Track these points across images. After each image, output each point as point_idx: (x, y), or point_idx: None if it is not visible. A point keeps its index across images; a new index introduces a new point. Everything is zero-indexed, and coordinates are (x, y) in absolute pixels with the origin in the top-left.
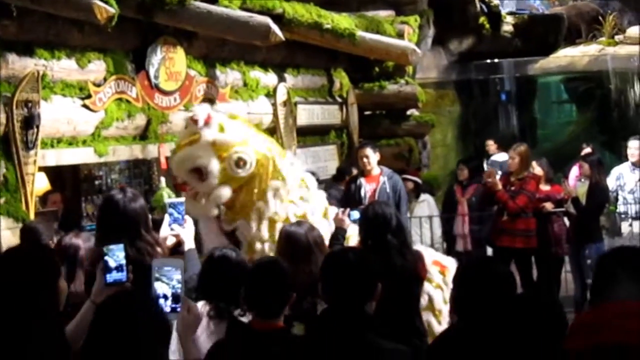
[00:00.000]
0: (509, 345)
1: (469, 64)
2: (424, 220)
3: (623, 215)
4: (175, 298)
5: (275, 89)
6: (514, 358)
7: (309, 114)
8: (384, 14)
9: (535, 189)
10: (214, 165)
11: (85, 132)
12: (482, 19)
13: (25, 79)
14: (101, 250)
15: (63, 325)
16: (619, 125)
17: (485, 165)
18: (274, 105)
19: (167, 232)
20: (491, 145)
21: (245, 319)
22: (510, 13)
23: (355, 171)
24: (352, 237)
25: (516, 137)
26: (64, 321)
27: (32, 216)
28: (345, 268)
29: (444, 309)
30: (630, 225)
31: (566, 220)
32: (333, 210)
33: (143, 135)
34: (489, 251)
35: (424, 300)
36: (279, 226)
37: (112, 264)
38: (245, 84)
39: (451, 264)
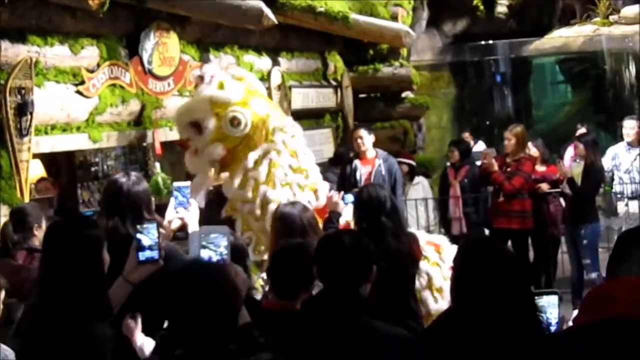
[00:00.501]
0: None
1: (463, 45)
2: (419, 203)
3: (619, 195)
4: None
5: (269, 73)
6: (509, 344)
7: (303, 98)
8: None
9: (531, 170)
10: (210, 122)
11: (79, 118)
12: (476, 1)
13: (18, 66)
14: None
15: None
16: (614, 105)
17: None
18: (268, 89)
19: (172, 215)
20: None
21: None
22: None
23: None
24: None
25: (511, 119)
26: None
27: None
28: (340, 251)
29: (445, 285)
30: (627, 205)
31: (562, 201)
32: (325, 189)
33: (137, 121)
34: (486, 233)
35: (423, 280)
36: (262, 189)
37: (145, 242)
38: None
39: (444, 242)
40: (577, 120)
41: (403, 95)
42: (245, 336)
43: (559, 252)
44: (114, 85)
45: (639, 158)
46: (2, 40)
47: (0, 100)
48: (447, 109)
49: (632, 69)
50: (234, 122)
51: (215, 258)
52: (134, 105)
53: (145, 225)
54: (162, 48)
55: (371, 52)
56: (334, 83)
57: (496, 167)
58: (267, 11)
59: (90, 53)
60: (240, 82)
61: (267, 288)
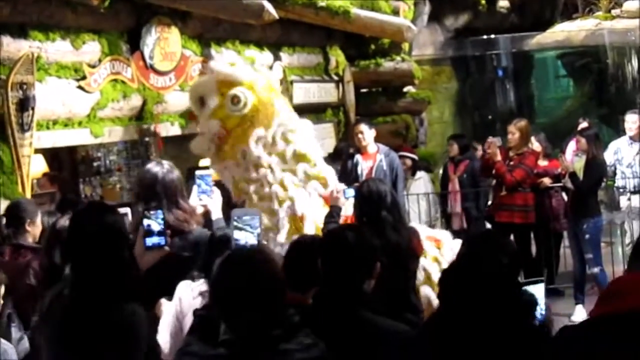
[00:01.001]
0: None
1: (465, 40)
2: (420, 198)
3: (621, 190)
4: (257, 245)
5: (270, 68)
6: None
7: (305, 93)
8: None
9: (533, 164)
10: (213, 98)
11: (81, 113)
12: None
13: (20, 61)
14: (142, 214)
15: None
16: (616, 99)
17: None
18: None
19: (195, 202)
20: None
21: None
22: None
23: (352, 150)
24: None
25: (513, 113)
26: None
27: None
28: (344, 247)
29: None
30: (629, 199)
31: (564, 195)
32: (334, 180)
33: (139, 116)
34: (488, 227)
35: (421, 276)
36: (262, 171)
37: (153, 228)
38: None
39: (445, 237)
40: (579, 114)
41: (405, 89)
42: (289, 322)
43: (561, 246)
44: (115, 80)
45: None
46: (4, 36)
47: (1, 96)
48: (448, 103)
49: (635, 63)
50: (234, 100)
51: (253, 238)
52: (136, 100)
53: (152, 212)
54: (164, 43)
55: (373, 46)
56: (335, 78)
57: (499, 157)
58: (268, 6)
59: (91, 48)
60: (252, 69)
61: None
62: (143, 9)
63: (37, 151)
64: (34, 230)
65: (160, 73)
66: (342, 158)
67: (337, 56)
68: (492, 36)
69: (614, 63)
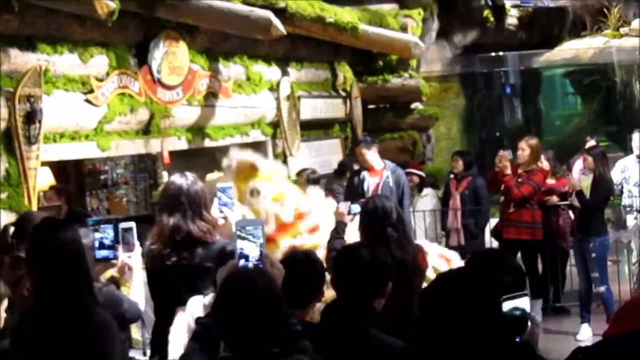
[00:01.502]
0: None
1: (473, 56)
2: (426, 214)
3: (628, 208)
4: (260, 255)
5: (278, 83)
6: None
7: (312, 108)
8: (387, 7)
9: (541, 181)
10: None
11: (88, 126)
12: (486, 12)
13: (28, 74)
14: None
15: None
16: (623, 117)
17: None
18: (278, 99)
19: (216, 215)
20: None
21: None
22: (515, 6)
23: (356, 166)
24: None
25: (521, 130)
26: None
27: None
28: (358, 264)
29: None
30: (636, 218)
31: (571, 214)
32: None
33: (146, 130)
34: (492, 244)
35: None
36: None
37: (103, 241)
38: (248, 78)
39: (454, 257)
40: (586, 132)
41: (412, 106)
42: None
43: (568, 264)
44: (122, 94)
45: None
46: (12, 48)
47: (9, 108)
48: (456, 119)
49: None
50: (253, 192)
51: (256, 248)
52: (143, 114)
53: (102, 226)
54: (171, 57)
55: (380, 62)
56: (343, 93)
57: (509, 170)
58: (276, 21)
59: (99, 62)
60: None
61: None
62: (151, 22)
63: (43, 164)
64: None
65: (167, 87)
66: (345, 173)
67: (344, 72)
68: (500, 53)
69: (622, 81)
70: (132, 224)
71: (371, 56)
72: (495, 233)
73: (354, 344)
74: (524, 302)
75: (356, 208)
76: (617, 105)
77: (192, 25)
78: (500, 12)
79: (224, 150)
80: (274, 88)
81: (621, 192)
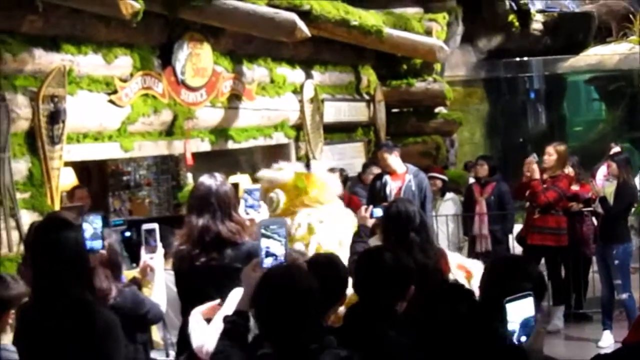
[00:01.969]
0: None
1: (497, 61)
2: (449, 219)
3: None
4: (285, 254)
5: (302, 86)
6: None
7: (336, 111)
8: (412, 11)
9: (567, 187)
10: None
11: (111, 127)
12: (511, 17)
13: (52, 74)
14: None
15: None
16: None
17: None
18: (301, 102)
19: (243, 216)
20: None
21: None
22: (540, 11)
23: (374, 169)
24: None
25: (545, 135)
26: None
27: None
28: (380, 267)
29: None
30: None
31: (594, 220)
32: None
33: (169, 131)
34: (516, 250)
35: None
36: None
37: (89, 232)
38: (272, 81)
39: (477, 270)
40: (610, 138)
41: (436, 110)
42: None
43: (590, 271)
44: (146, 95)
45: None
46: (36, 48)
47: (33, 108)
48: (479, 124)
49: None
50: (272, 203)
51: (281, 247)
52: (166, 115)
53: (91, 217)
54: (195, 59)
55: (404, 66)
56: (366, 97)
57: (538, 175)
58: (301, 24)
59: (123, 62)
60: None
61: None
62: (175, 24)
63: (66, 164)
64: None
65: (191, 89)
66: (367, 177)
67: (368, 75)
68: (525, 58)
69: None
70: (155, 226)
71: (395, 60)
72: (519, 239)
73: (373, 347)
74: (528, 303)
75: (378, 212)
76: None
77: (217, 27)
78: (525, 17)
79: (246, 152)
80: (298, 91)
81: None
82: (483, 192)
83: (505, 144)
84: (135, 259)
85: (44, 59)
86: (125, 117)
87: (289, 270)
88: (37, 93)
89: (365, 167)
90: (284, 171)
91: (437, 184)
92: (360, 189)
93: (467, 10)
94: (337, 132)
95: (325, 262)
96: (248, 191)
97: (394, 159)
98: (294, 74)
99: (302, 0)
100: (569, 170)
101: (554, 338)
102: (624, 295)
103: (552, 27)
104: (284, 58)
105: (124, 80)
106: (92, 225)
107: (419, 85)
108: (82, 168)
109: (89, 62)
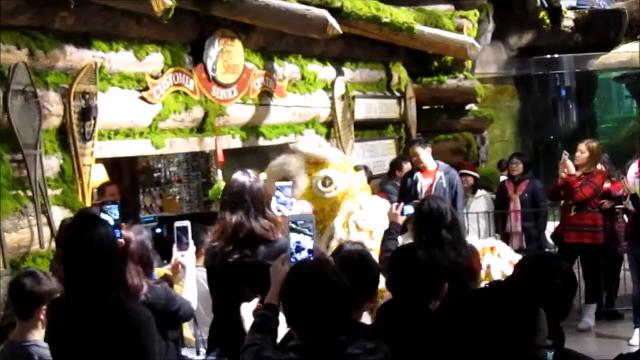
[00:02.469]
0: None
1: (528, 59)
2: (480, 217)
3: None
4: (314, 248)
5: (333, 83)
6: None
7: (367, 108)
8: (443, 8)
9: (601, 184)
10: (302, 179)
11: (143, 124)
12: (542, 14)
13: (83, 71)
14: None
15: None
16: None
17: None
18: (332, 99)
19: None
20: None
21: None
22: (571, 8)
23: (405, 166)
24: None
25: (576, 133)
26: None
27: None
28: (414, 265)
29: None
30: None
31: (625, 218)
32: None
33: (200, 128)
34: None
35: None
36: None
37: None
38: (303, 78)
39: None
40: None
41: (467, 107)
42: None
43: (622, 269)
44: (177, 92)
45: None
46: (68, 45)
47: (64, 105)
48: (510, 122)
49: None
50: (326, 182)
51: (311, 242)
52: (197, 112)
53: (108, 206)
54: (227, 56)
55: (436, 63)
56: (397, 94)
57: (574, 171)
58: (332, 21)
59: (154, 59)
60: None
61: None
62: (207, 21)
63: (98, 161)
64: None
65: (222, 86)
66: (397, 174)
67: (399, 72)
68: (556, 56)
69: None
70: (187, 223)
71: (426, 57)
72: (555, 237)
73: (408, 345)
74: None
75: (409, 209)
76: None
77: (248, 24)
78: (556, 14)
79: (277, 149)
80: (329, 88)
81: None
82: (517, 190)
83: (536, 141)
84: (165, 256)
85: (75, 56)
86: (157, 114)
87: (318, 264)
88: (68, 90)
89: (395, 164)
90: (327, 152)
91: (468, 181)
92: (390, 187)
93: (498, 7)
94: (368, 129)
95: (357, 259)
96: (280, 187)
97: (426, 155)
98: (325, 71)
99: None
100: (601, 167)
101: (586, 336)
102: None
103: (583, 25)
104: (315, 55)
105: (156, 77)
106: (110, 215)
107: (450, 82)
108: (113, 165)
109: (120, 59)
